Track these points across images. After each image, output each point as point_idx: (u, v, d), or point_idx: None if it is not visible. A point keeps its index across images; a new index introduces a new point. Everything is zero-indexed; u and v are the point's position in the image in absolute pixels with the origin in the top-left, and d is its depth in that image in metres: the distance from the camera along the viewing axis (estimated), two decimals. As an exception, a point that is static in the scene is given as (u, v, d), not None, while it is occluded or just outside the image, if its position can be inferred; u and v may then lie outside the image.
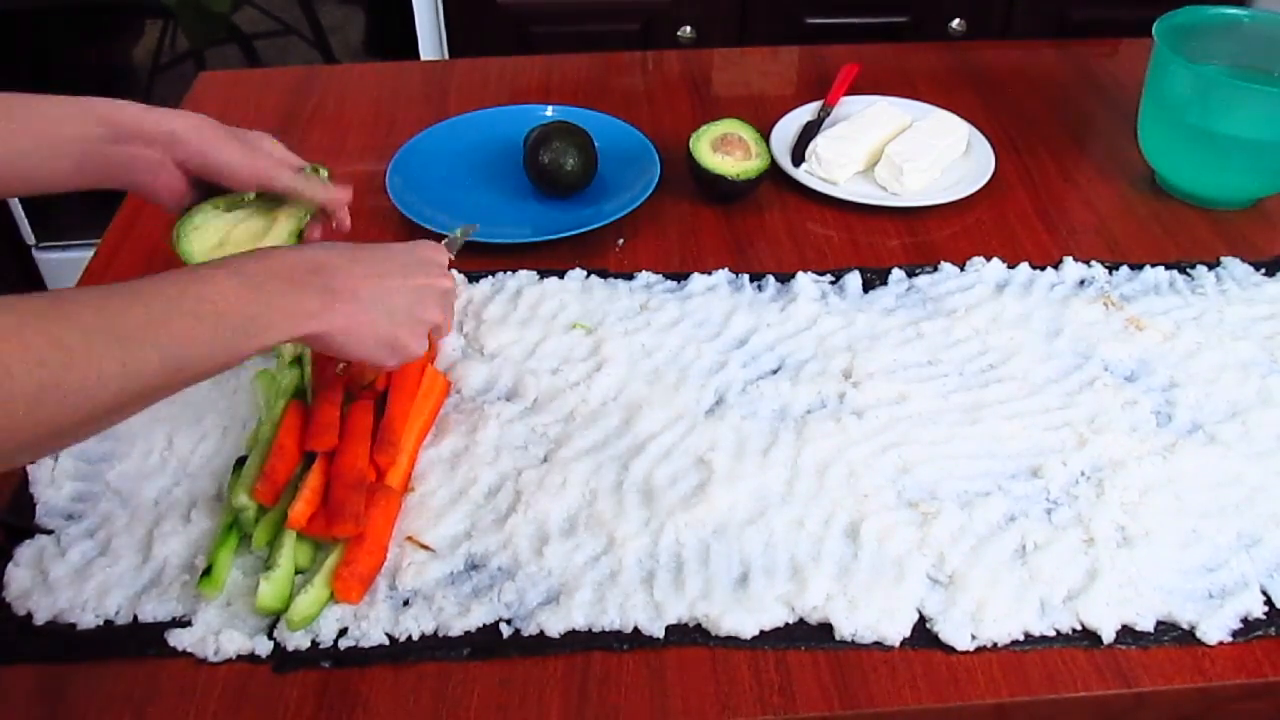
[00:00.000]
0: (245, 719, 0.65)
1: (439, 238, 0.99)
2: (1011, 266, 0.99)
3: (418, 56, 1.84)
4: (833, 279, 0.97)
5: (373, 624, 0.68)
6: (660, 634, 0.69)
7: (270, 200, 0.83)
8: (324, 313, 0.66)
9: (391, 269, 0.71)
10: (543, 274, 0.97)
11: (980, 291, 0.95)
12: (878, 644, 0.69)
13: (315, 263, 0.67)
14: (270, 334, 0.63)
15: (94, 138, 0.76)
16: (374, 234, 1.03)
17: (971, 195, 1.07)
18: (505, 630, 0.69)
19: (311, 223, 0.85)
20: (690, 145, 1.06)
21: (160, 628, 0.69)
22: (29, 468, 0.78)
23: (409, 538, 0.73)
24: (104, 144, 0.76)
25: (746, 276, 0.97)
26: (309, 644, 0.68)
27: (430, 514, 0.75)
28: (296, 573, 0.71)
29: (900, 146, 1.09)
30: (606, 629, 0.69)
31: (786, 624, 0.69)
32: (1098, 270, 0.98)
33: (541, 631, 0.69)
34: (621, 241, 1.02)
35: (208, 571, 0.69)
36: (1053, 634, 0.69)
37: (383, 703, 0.66)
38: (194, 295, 0.61)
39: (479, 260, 0.98)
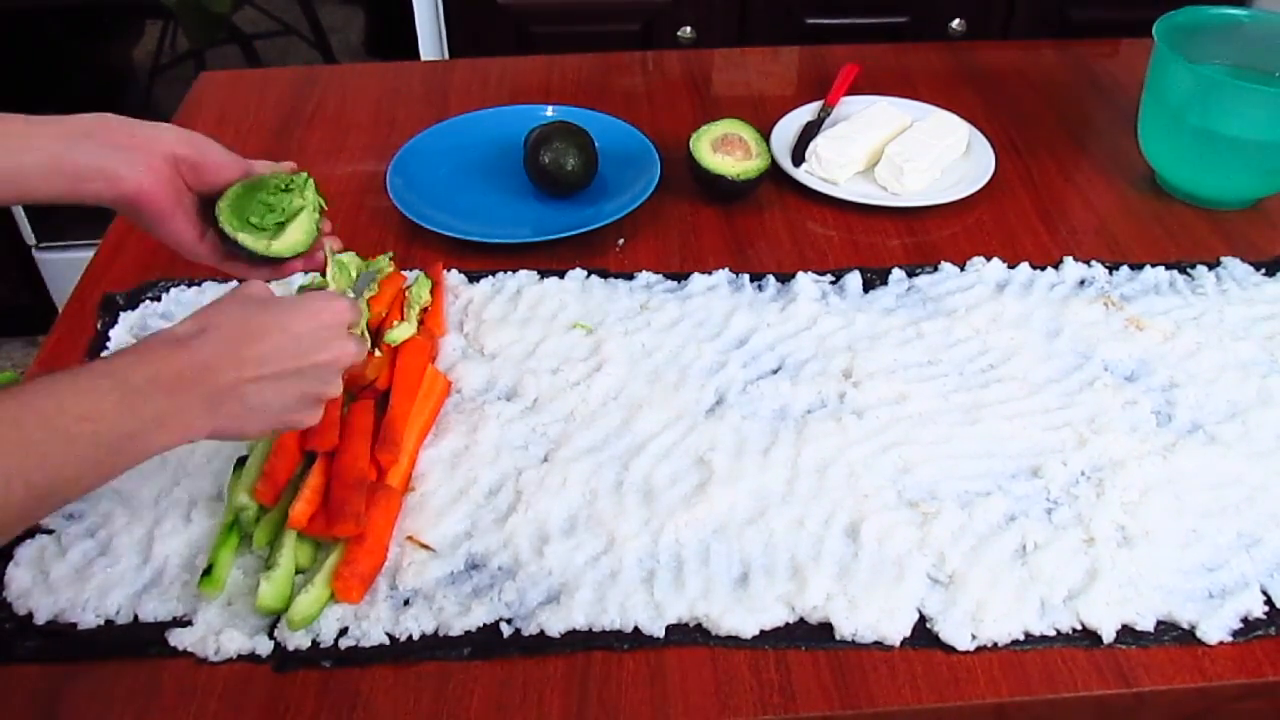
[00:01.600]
0: (246, 719, 0.65)
1: (439, 237, 0.99)
2: (1011, 266, 0.99)
3: (418, 56, 1.84)
4: (833, 279, 0.97)
5: (373, 624, 0.69)
6: (660, 634, 0.69)
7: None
8: (206, 423, 0.63)
9: (283, 356, 0.65)
10: (543, 274, 0.97)
11: (980, 291, 0.95)
12: (878, 644, 0.69)
13: (201, 364, 0.62)
14: (146, 451, 0.61)
15: (75, 133, 0.71)
16: (374, 234, 1.03)
17: (971, 195, 1.07)
18: (506, 630, 0.69)
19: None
20: (690, 145, 1.06)
21: (161, 627, 0.69)
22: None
23: (409, 537, 0.73)
24: (80, 137, 0.71)
25: (746, 276, 0.97)
26: (309, 644, 0.68)
27: (431, 514, 0.75)
28: (297, 572, 0.71)
29: (900, 147, 1.09)
30: (607, 629, 0.69)
31: (786, 624, 0.70)
32: (1098, 270, 0.98)
33: (542, 631, 0.69)
34: (621, 241, 1.02)
35: (208, 571, 0.69)
36: (1053, 634, 0.69)
37: (383, 702, 0.66)
38: (72, 414, 0.57)
39: (479, 260, 0.98)
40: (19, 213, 2.00)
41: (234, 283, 0.95)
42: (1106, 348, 0.89)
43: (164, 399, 0.60)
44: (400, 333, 0.85)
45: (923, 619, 0.70)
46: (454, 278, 0.96)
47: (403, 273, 0.92)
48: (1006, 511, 0.76)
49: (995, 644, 0.68)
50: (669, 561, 0.73)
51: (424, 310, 0.89)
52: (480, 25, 1.83)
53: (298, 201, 0.77)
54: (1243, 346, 0.89)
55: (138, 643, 0.68)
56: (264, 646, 0.68)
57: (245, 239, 0.75)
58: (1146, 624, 0.70)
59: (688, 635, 0.69)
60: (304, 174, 0.79)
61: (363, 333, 0.75)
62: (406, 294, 0.89)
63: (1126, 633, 0.69)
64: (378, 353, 0.81)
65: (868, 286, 0.97)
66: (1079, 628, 0.69)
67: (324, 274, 0.79)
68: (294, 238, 0.77)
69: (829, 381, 0.85)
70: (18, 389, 0.57)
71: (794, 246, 1.02)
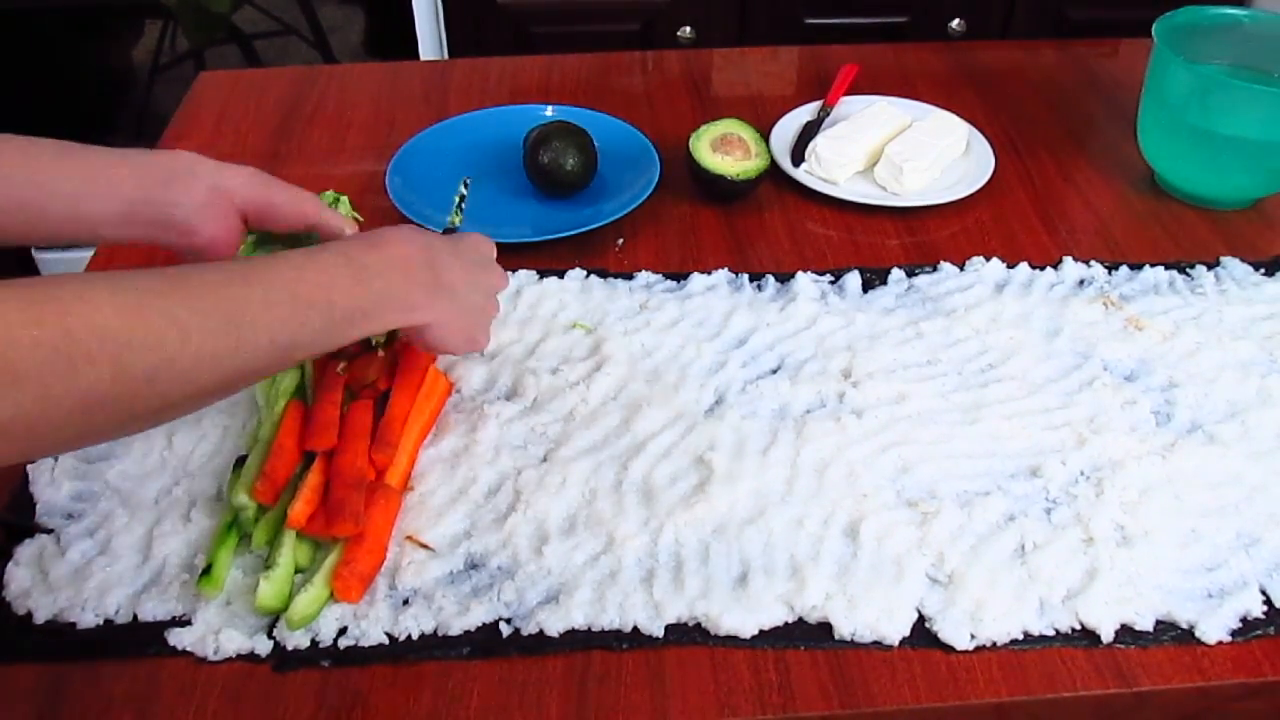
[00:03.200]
0: (245, 718, 0.65)
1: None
2: (1011, 266, 0.99)
3: (418, 56, 1.84)
4: (832, 279, 0.97)
5: (372, 623, 0.69)
6: (660, 633, 0.69)
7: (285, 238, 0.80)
8: (427, 306, 0.69)
9: (469, 267, 0.75)
10: (543, 274, 0.97)
11: (980, 291, 0.95)
12: (877, 643, 0.69)
13: (427, 257, 0.70)
14: (376, 323, 0.67)
15: (151, 182, 0.72)
16: (374, 234, 1.03)
17: (971, 195, 1.07)
18: (505, 629, 0.69)
19: None
20: (690, 145, 1.06)
21: (160, 627, 0.69)
22: (28, 467, 0.78)
23: (409, 537, 0.73)
24: (157, 186, 0.72)
25: (746, 276, 0.97)
26: (309, 643, 0.68)
27: (430, 513, 0.75)
28: (296, 572, 0.71)
29: (900, 146, 1.09)
30: (606, 628, 0.69)
31: (786, 623, 0.69)
32: (1097, 270, 0.98)
33: (541, 631, 0.69)
34: (621, 241, 1.02)
35: (207, 571, 0.69)
36: (1052, 633, 0.69)
37: (382, 702, 0.66)
38: (310, 282, 0.62)
39: (479, 260, 0.98)
40: (19, 213, 2.00)
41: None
42: (1106, 347, 0.89)
43: (396, 278, 0.67)
44: None
45: (922, 619, 0.70)
46: (453, 277, 0.96)
47: None
48: (1006, 511, 0.76)
49: (994, 644, 0.68)
50: (668, 561, 0.73)
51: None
52: (480, 25, 1.83)
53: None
54: (1242, 346, 0.89)
55: (137, 642, 0.68)
56: (263, 646, 0.68)
57: None
58: (1146, 624, 0.70)
59: (687, 635, 0.69)
60: (331, 194, 0.86)
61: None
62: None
63: (1125, 632, 0.69)
64: (380, 353, 0.81)
65: (867, 286, 0.97)
66: (1078, 627, 0.69)
67: None
68: None
69: (828, 381, 0.85)
70: (251, 261, 0.64)
71: (793, 246, 1.02)
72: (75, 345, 0.51)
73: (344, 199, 0.87)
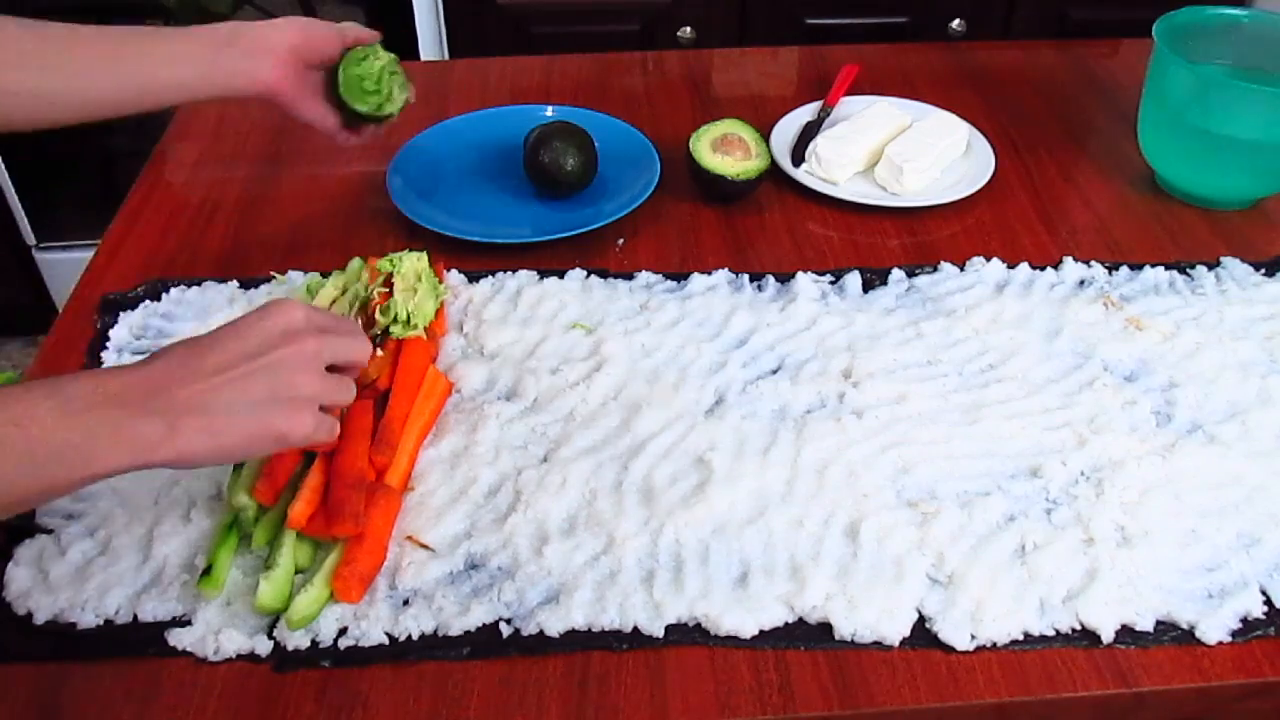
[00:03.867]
0: (245, 718, 0.65)
1: (439, 237, 0.99)
2: (1011, 266, 0.99)
3: (418, 57, 1.84)
4: (832, 279, 0.97)
5: (372, 623, 0.69)
6: (660, 633, 0.69)
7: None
8: (170, 439, 0.59)
9: (238, 358, 0.63)
10: (543, 274, 0.97)
11: (980, 291, 0.95)
12: (877, 643, 0.69)
13: (152, 382, 0.60)
14: (98, 465, 0.57)
15: (203, 50, 0.86)
16: (374, 234, 1.03)
17: (971, 195, 1.07)
18: (505, 630, 0.69)
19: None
20: (690, 145, 1.06)
21: (160, 627, 0.69)
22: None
23: (409, 537, 0.73)
24: (225, 48, 0.87)
25: (746, 276, 0.97)
26: (309, 643, 0.68)
27: (430, 513, 0.75)
28: (296, 572, 0.71)
29: (900, 147, 1.09)
30: (606, 628, 0.69)
31: (786, 623, 0.69)
32: (1097, 270, 0.98)
33: (541, 631, 0.69)
34: (621, 241, 1.02)
35: (208, 571, 0.69)
36: (1052, 634, 0.69)
37: (382, 702, 0.66)
38: (2, 417, 0.55)
39: (479, 260, 0.98)
40: (19, 212, 2.00)
41: (232, 281, 0.96)
42: (1106, 348, 0.89)
43: (108, 411, 0.58)
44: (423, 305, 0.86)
45: (922, 619, 0.70)
46: (454, 277, 0.96)
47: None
48: (1006, 511, 0.76)
49: (994, 644, 0.68)
50: (668, 561, 0.73)
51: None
52: (480, 25, 1.83)
53: (376, 63, 0.96)
54: (1242, 346, 0.89)
55: (137, 642, 0.68)
56: (263, 646, 0.68)
57: (361, 107, 0.96)
58: (1146, 624, 0.70)
59: (687, 635, 0.69)
60: (374, 43, 0.97)
61: (360, 318, 0.79)
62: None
63: (1126, 633, 0.69)
64: (379, 352, 0.81)
65: (867, 286, 0.97)
66: (1078, 628, 0.69)
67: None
68: (398, 97, 0.98)
69: (828, 381, 0.85)
70: None
71: (794, 246, 1.02)
72: None
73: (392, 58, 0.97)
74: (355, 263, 0.91)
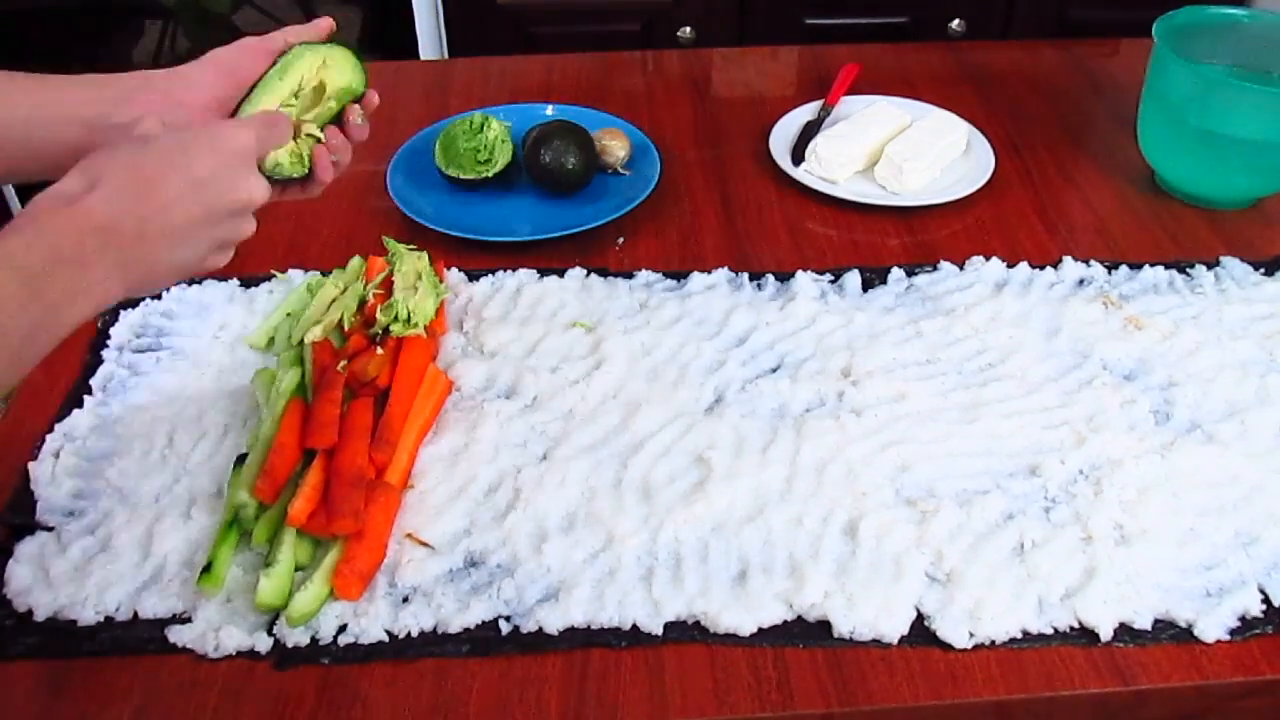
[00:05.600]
0: (245, 715, 0.65)
1: (439, 236, 0.99)
2: (1011, 266, 0.99)
3: (417, 56, 1.84)
4: (832, 278, 0.97)
5: (372, 621, 0.69)
6: (659, 631, 0.69)
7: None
8: (118, 286, 0.59)
9: (189, 204, 0.61)
10: (543, 273, 0.97)
11: (979, 290, 0.95)
12: (876, 641, 0.69)
13: (101, 226, 0.58)
14: (63, 328, 0.57)
15: (105, 99, 0.69)
16: (374, 233, 1.03)
17: (971, 195, 1.07)
18: (504, 627, 0.69)
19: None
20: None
21: (160, 624, 0.69)
22: (29, 465, 0.78)
23: (408, 535, 0.73)
24: (117, 104, 0.69)
25: (746, 275, 0.97)
26: (309, 640, 0.68)
27: (430, 511, 0.75)
28: (296, 569, 0.71)
29: (900, 146, 1.09)
30: (605, 626, 0.69)
31: (785, 621, 0.70)
32: (1097, 269, 0.99)
33: (540, 628, 0.69)
34: (621, 240, 1.02)
35: (208, 568, 0.69)
36: (1051, 632, 0.69)
37: (382, 699, 0.66)
38: None
39: (479, 259, 0.98)
40: (17, 211, 2.00)
41: (233, 280, 0.96)
42: (1105, 347, 0.89)
43: (70, 274, 0.56)
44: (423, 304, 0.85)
45: (921, 617, 0.70)
46: (454, 276, 0.96)
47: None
48: (1005, 510, 0.76)
49: (993, 642, 0.69)
50: (667, 559, 0.73)
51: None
52: (480, 25, 1.83)
53: (490, 134, 0.99)
54: (1241, 346, 0.89)
55: (137, 640, 0.68)
56: (263, 643, 0.68)
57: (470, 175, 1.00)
58: (1144, 622, 0.70)
59: (686, 633, 0.69)
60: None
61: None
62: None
63: (1124, 631, 0.69)
64: (379, 350, 0.81)
65: (867, 285, 0.97)
66: (1077, 626, 0.69)
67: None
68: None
69: (828, 380, 0.85)
70: None
71: (793, 245, 1.03)
72: None
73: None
74: (355, 261, 0.92)
